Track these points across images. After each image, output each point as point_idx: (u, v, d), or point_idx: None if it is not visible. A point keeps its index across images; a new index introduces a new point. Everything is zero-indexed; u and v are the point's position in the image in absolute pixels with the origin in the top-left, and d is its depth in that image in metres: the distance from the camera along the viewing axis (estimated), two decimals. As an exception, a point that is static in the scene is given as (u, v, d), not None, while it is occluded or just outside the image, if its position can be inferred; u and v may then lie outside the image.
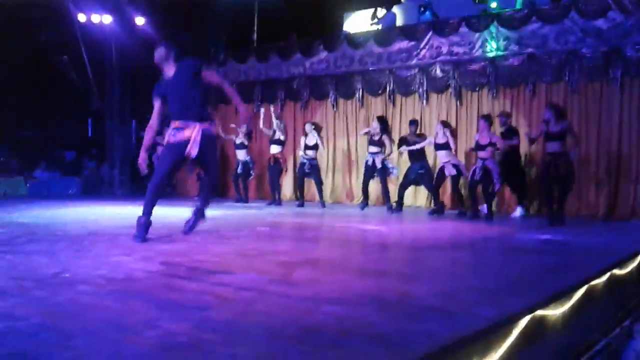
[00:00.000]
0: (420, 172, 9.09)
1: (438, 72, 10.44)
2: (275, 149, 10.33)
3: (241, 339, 2.11)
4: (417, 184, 9.57)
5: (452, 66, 10.25)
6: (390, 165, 9.32)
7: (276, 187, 10.48)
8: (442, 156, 8.73)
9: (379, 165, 9.18)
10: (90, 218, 6.70)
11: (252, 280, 3.21)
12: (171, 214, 7.71)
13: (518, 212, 8.68)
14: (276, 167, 10.34)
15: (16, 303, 2.55)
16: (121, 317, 2.35)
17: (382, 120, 9.51)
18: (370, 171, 9.33)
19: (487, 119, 8.31)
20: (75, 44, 12.17)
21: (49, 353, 1.90)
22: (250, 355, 1.94)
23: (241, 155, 10.85)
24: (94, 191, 12.78)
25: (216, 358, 1.91)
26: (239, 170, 10.83)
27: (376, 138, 9.26)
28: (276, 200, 10.38)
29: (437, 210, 8.86)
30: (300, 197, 10.26)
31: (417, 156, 9.19)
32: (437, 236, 6.04)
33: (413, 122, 9.53)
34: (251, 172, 10.90)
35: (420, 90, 10.66)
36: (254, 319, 2.38)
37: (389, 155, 9.32)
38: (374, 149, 9.30)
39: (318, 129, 10.25)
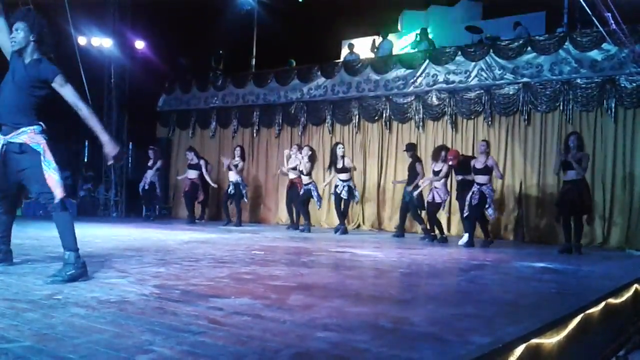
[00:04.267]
0: (411, 197, 9.13)
1: (434, 99, 10.55)
2: (292, 174, 10.34)
3: (235, 364, 2.09)
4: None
5: (448, 94, 10.36)
6: (356, 192, 9.73)
7: (291, 211, 10.48)
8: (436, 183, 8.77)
9: (345, 193, 9.52)
10: (85, 240, 6.67)
11: (246, 304, 3.19)
12: (166, 237, 7.69)
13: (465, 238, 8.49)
14: (293, 192, 10.33)
15: (8, 325, 2.52)
16: (114, 340, 2.33)
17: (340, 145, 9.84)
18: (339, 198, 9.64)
19: (485, 143, 8.31)
20: (74, 65, 12.24)
21: (40, 376, 1.88)
22: (243, 380, 1.92)
23: (232, 176, 10.88)
24: (90, 213, 12.75)
25: (209, 383, 1.89)
26: (230, 191, 10.84)
27: (341, 165, 9.54)
28: (294, 224, 10.36)
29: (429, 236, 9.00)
30: (306, 221, 10.24)
31: (412, 180, 9.23)
32: (432, 262, 6.03)
33: (410, 147, 9.47)
34: (243, 194, 10.91)
35: (417, 117, 10.76)
36: (248, 343, 2.36)
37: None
38: (344, 176, 9.56)
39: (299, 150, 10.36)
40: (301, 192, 9.97)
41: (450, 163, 8.50)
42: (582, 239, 7.72)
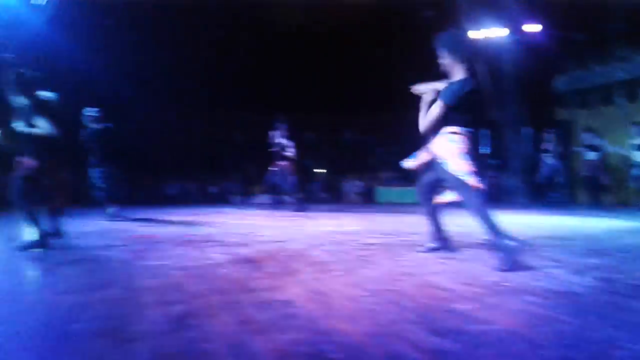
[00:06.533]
0: None
1: None
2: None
3: None
4: None
5: None
6: None
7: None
8: None
9: None
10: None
11: None
12: (589, 224, 7.33)
13: None
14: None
15: (475, 308, 2.83)
16: (580, 331, 2.40)
17: None
18: None
19: None
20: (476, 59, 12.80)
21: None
22: None
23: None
24: (495, 200, 13.17)
25: None
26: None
27: None
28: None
29: None
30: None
31: None
32: None
33: None
34: None
35: None
36: None
37: None
38: None
39: None
40: None
41: None
42: None
